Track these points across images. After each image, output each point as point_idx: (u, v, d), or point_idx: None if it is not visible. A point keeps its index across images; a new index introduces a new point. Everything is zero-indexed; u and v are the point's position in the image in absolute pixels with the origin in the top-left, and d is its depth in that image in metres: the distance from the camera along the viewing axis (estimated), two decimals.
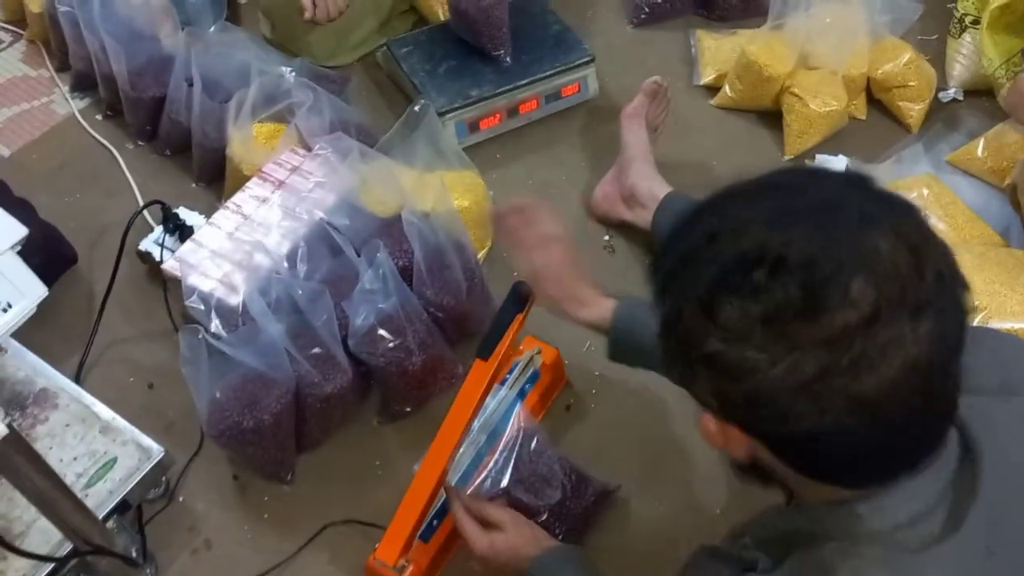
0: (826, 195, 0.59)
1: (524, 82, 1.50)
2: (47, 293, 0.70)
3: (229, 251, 1.24)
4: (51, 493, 0.83)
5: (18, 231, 0.67)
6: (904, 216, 0.58)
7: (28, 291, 0.68)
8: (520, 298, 1.06)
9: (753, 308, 0.55)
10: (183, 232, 1.33)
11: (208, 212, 1.36)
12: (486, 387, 1.05)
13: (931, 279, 0.55)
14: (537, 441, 1.12)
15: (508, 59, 1.50)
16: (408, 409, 1.23)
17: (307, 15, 1.35)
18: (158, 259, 1.32)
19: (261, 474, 1.18)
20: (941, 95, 1.59)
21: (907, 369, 0.55)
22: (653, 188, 1.32)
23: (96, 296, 1.34)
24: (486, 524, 1.01)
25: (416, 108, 1.41)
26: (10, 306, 0.67)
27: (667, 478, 1.17)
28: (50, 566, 1.01)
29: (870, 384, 0.54)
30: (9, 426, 0.72)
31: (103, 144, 1.53)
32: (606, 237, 1.42)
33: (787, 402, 0.56)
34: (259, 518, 1.15)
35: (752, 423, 0.60)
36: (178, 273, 1.24)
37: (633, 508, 1.15)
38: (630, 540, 1.13)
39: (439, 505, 1.08)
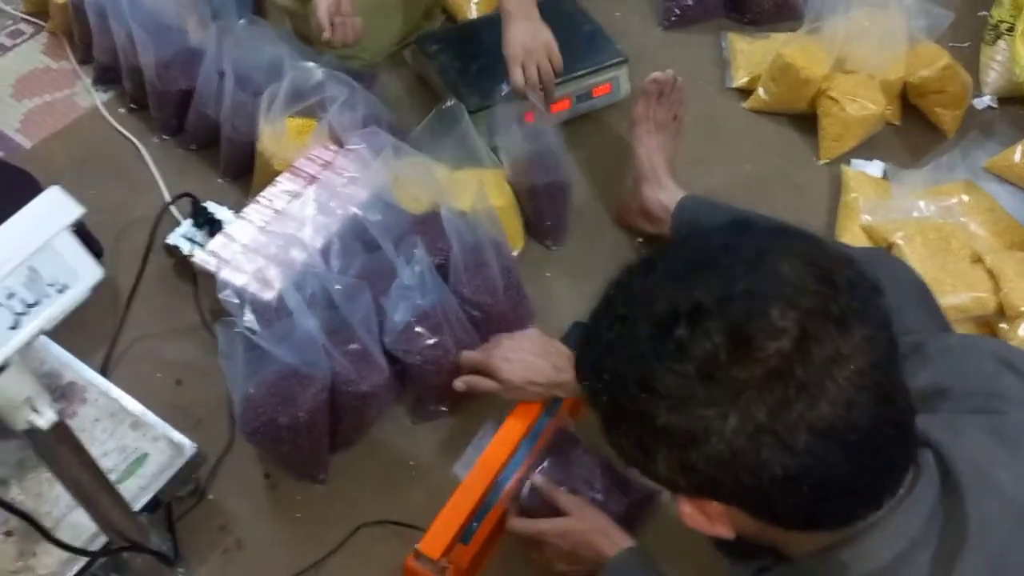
0: (714, 244, 0.60)
1: (556, 82, 1.48)
2: (103, 276, 0.68)
3: (262, 245, 1.22)
4: (91, 485, 0.80)
5: (74, 210, 0.64)
6: (796, 238, 0.59)
7: (84, 273, 0.66)
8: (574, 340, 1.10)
9: (686, 367, 0.54)
10: (212, 226, 1.31)
11: (235, 207, 1.33)
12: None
13: (844, 287, 0.55)
14: (575, 442, 1.10)
15: None
16: (443, 409, 1.20)
17: (324, 36, 1.32)
18: (186, 253, 1.30)
19: (294, 473, 1.15)
20: (975, 102, 1.58)
21: (855, 382, 0.54)
22: (663, 201, 1.29)
23: (121, 291, 1.32)
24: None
25: (446, 106, 1.40)
26: (66, 287, 0.65)
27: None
28: (82, 562, 0.99)
29: (825, 408, 0.53)
30: (59, 414, 0.70)
31: (127, 137, 1.51)
32: (639, 240, 1.40)
33: (752, 452, 0.54)
34: (291, 518, 1.12)
35: (725, 488, 0.57)
36: (209, 267, 1.21)
37: (672, 512, 1.12)
38: (669, 543, 1.10)
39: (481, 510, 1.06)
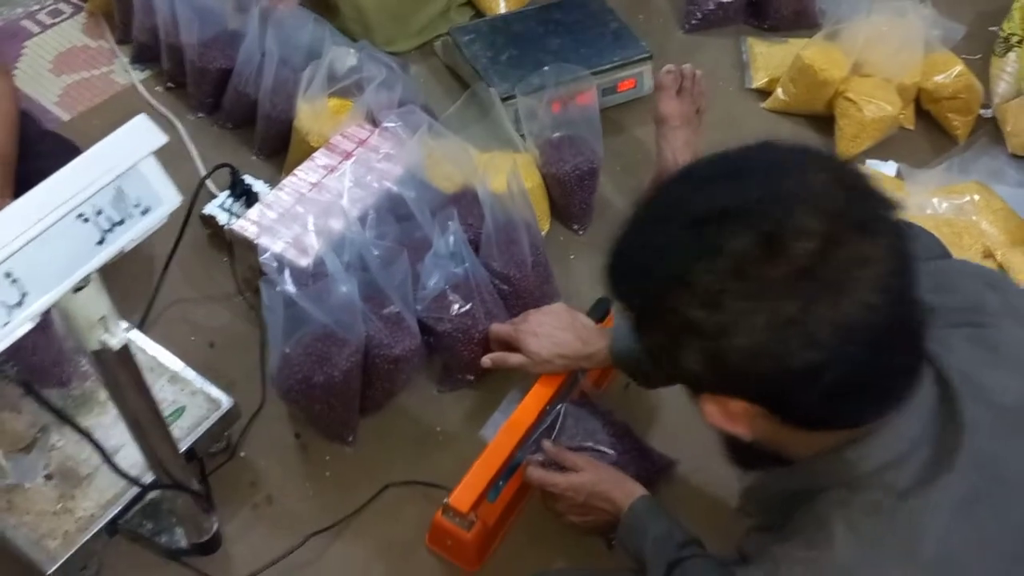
0: (744, 156, 0.64)
1: (583, 73, 1.52)
2: (180, 202, 0.71)
3: (299, 214, 1.26)
4: (146, 417, 0.83)
5: (159, 138, 0.68)
6: (824, 156, 0.62)
7: (165, 197, 0.69)
8: (603, 313, 1.17)
9: (720, 264, 0.58)
10: (248, 198, 1.34)
11: (270, 183, 1.37)
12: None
13: (867, 196, 0.60)
14: (596, 409, 1.13)
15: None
16: (470, 378, 1.23)
17: None
18: (222, 223, 1.33)
19: (324, 434, 1.18)
20: (983, 112, 1.63)
21: (875, 284, 0.57)
22: None
23: (156, 259, 1.35)
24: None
25: (477, 91, 1.44)
26: (149, 209, 0.68)
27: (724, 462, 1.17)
28: (117, 508, 1.01)
29: (847, 306, 0.57)
30: (127, 337, 0.73)
31: (164, 114, 1.55)
32: None
33: (778, 345, 0.57)
34: (320, 476, 1.15)
35: (749, 382, 0.61)
36: (247, 234, 1.25)
37: (692, 485, 1.16)
38: (688, 515, 1.13)
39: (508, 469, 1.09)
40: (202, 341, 1.27)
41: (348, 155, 1.35)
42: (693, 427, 1.20)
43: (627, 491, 1.00)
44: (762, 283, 0.57)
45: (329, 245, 1.19)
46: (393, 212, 1.27)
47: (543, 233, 1.40)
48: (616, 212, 1.47)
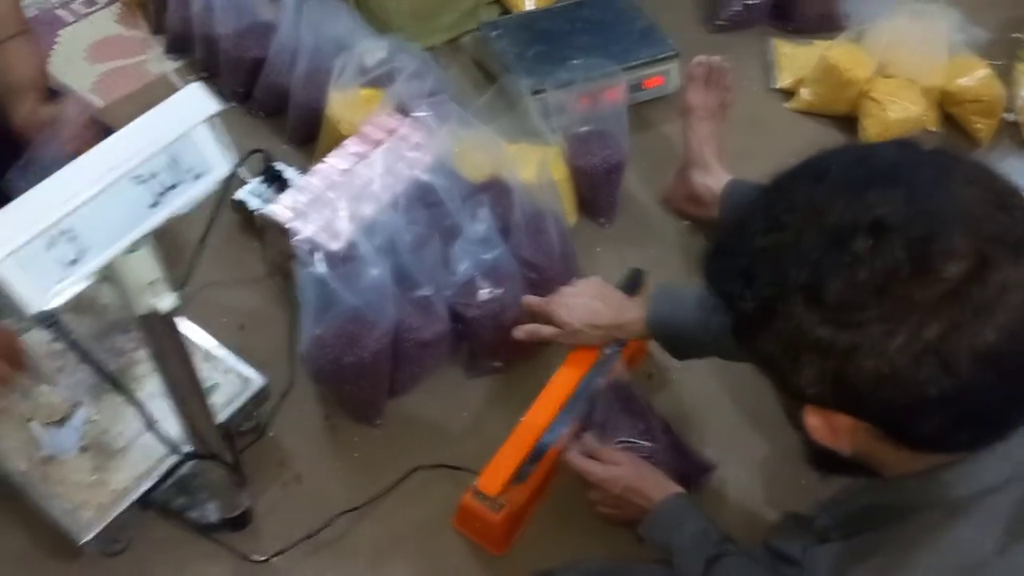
0: (892, 159, 0.59)
1: (605, 72, 1.54)
2: (232, 170, 0.73)
3: (330, 200, 1.27)
4: (187, 385, 0.85)
5: (213, 105, 0.70)
6: (971, 164, 0.59)
7: (217, 165, 0.71)
8: (634, 285, 1.15)
9: (862, 279, 0.54)
10: (280, 184, 1.36)
11: (301, 170, 1.39)
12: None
13: (1019, 216, 0.56)
14: (634, 399, 1.14)
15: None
16: (497, 364, 1.24)
17: None
18: (253, 209, 1.35)
19: (353, 416, 1.19)
20: (1005, 115, 1.64)
21: (1020, 311, 0.54)
22: (710, 186, 1.34)
23: (187, 243, 1.36)
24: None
25: (505, 85, 1.46)
26: (200, 175, 0.70)
27: (749, 453, 1.18)
28: (151, 481, 1.03)
29: (991, 333, 0.54)
30: (176, 301, 0.75)
31: None
32: (686, 222, 1.45)
33: (912, 371, 0.55)
34: (349, 457, 1.16)
35: (869, 404, 0.58)
36: (279, 218, 1.27)
37: (714, 478, 1.16)
38: (711, 509, 1.14)
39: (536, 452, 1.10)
40: (232, 323, 1.29)
41: (378, 144, 1.36)
42: (717, 420, 1.22)
43: (663, 488, 1.01)
44: (906, 303, 0.54)
45: (360, 229, 1.21)
46: (422, 200, 1.29)
47: (570, 225, 1.41)
48: (641, 207, 1.48)
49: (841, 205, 0.56)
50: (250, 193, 1.37)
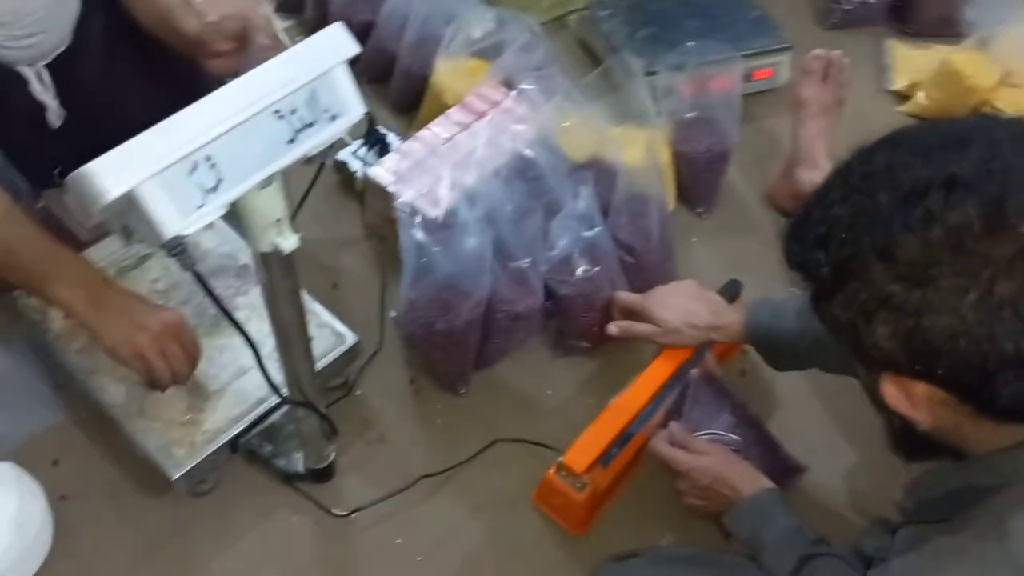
0: (965, 126, 0.60)
1: (720, 58, 1.51)
2: (364, 113, 0.73)
3: (432, 166, 1.27)
4: (295, 329, 0.85)
5: (352, 47, 0.69)
6: None
7: (352, 107, 0.71)
8: (732, 295, 1.16)
9: (936, 236, 0.55)
10: (381, 147, 1.37)
11: (401, 136, 1.39)
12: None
13: None
14: (727, 394, 1.12)
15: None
16: (585, 345, 1.23)
17: None
18: (354, 170, 1.36)
19: (438, 383, 1.19)
20: None
21: None
22: (818, 184, 1.31)
23: (287, 199, 1.38)
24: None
25: (614, 65, 1.43)
26: (336, 116, 0.70)
27: (839, 460, 1.14)
28: (242, 425, 1.04)
29: None
30: (297, 242, 0.75)
31: None
32: (786, 220, 1.41)
33: (986, 327, 0.55)
34: (432, 423, 1.16)
35: (943, 364, 0.58)
36: (380, 181, 1.27)
37: (803, 480, 1.13)
38: (799, 510, 1.10)
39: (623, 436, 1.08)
40: (326, 281, 1.30)
41: (481, 115, 1.36)
42: (807, 422, 1.18)
43: (753, 481, 0.99)
44: (979, 260, 0.54)
45: (461, 198, 1.21)
46: (523, 174, 1.28)
47: (670, 209, 1.39)
48: (741, 200, 1.45)
49: (916, 165, 0.57)
50: (351, 155, 1.38)
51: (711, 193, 1.41)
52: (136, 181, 0.59)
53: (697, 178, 1.39)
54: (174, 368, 0.97)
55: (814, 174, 1.33)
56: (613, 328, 1.14)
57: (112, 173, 0.58)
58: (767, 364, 1.09)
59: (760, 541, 0.94)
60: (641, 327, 1.12)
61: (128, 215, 0.63)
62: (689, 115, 1.39)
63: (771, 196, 1.43)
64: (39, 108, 1.13)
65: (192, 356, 0.99)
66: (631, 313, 1.15)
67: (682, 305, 1.11)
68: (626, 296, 1.16)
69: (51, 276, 0.94)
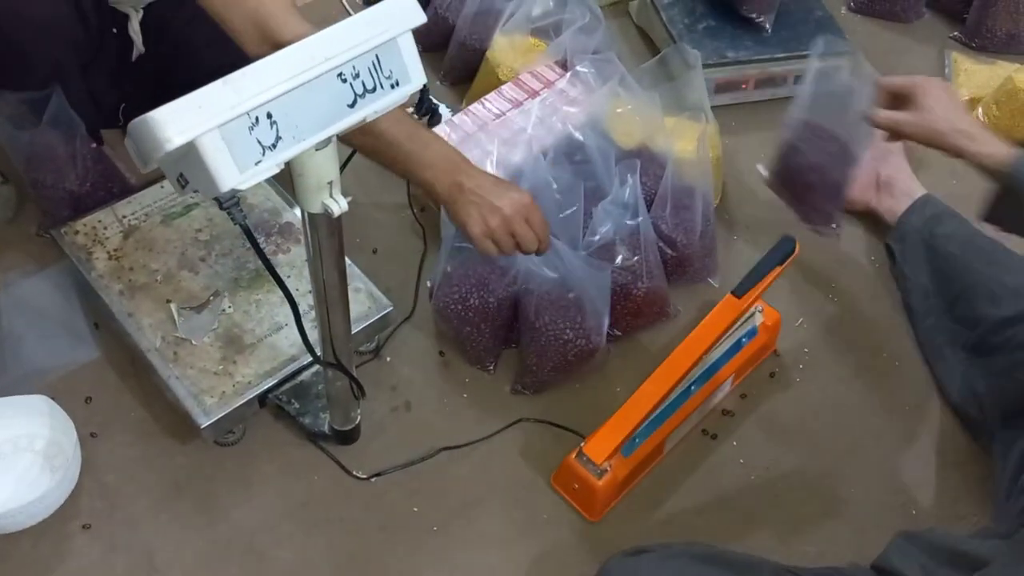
0: None
1: (780, 56, 1.49)
2: (425, 82, 0.73)
3: (481, 141, 1.27)
4: (335, 291, 0.86)
5: (419, 16, 0.69)
6: None
7: (413, 75, 0.71)
8: (784, 252, 1.08)
9: None
10: (432, 117, 1.36)
11: (451, 108, 1.39)
12: (732, 322, 1.05)
13: None
14: None
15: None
16: (617, 332, 1.23)
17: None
18: None
19: (467, 357, 1.19)
20: None
21: None
22: (910, 185, 1.32)
23: None
24: None
25: (672, 54, 1.41)
26: (397, 84, 0.70)
27: (862, 467, 1.14)
28: (272, 381, 1.06)
29: None
30: (346, 205, 0.75)
31: None
32: (833, 225, 1.39)
33: None
34: (458, 396, 1.17)
35: None
36: None
37: (824, 487, 1.12)
38: (824, 518, 1.10)
39: (646, 423, 1.08)
40: (366, 245, 1.30)
41: (534, 93, 1.35)
42: (834, 431, 1.17)
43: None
44: None
45: (506, 175, 1.20)
46: (570, 156, 1.27)
47: (715, 203, 1.38)
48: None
49: None
50: None
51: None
52: (199, 132, 0.59)
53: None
54: (522, 247, 1.00)
55: (903, 172, 1.34)
56: (880, 117, 1.03)
57: (176, 122, 0.59)
58: (985, 216, 1.00)
59: None
60: (902, 115, 1.02)
61: (186, 165, 0.64)
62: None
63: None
64: (128, 45, 1.16)
65: (541, 235, 1.01)
66: (898, 98, 1.04)
67: (952, 101, 1.01)
68: (893, 78, 1.06)
69: (414, 156, 0.97)
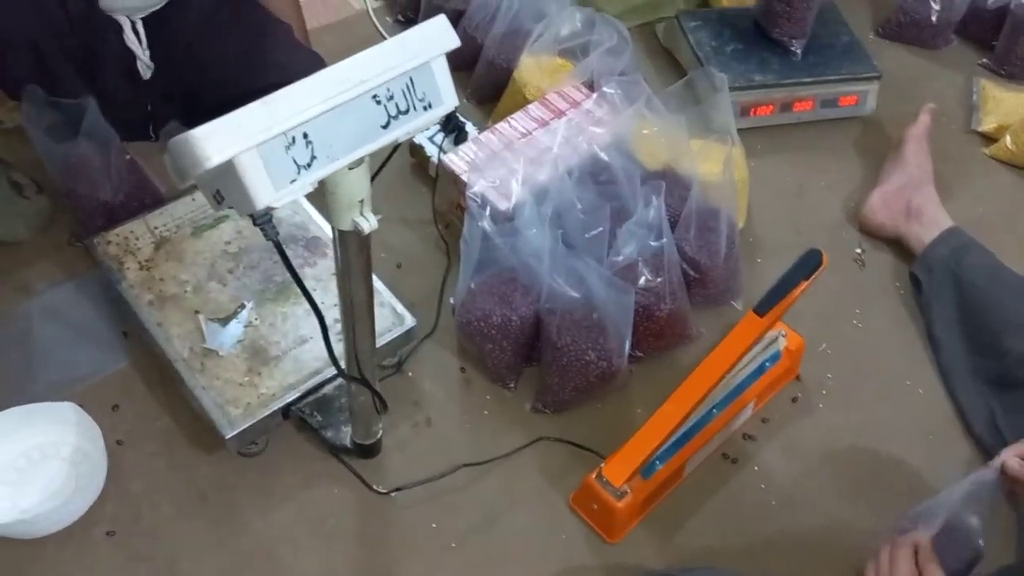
0: None
1: (807, 80, 1.50)
2: (457, 105, 0.74)
3: (507, 160, 1.28)
4: (362, 308, 0.87)
5: (454, 40, 0.71)
6: None
7: (446, 98, 0.72)
8: (810, 266, 1.06)
9: None
10: (459, 135, 1.37)
11: (477, 126, 1.40)
12: (753, 342, 1.04)
13: None
14: None
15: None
16: (639, 354, 1.23)
17: None
18: (429, 155, 1.37)
19: (488, 374, 1.20)
20: None
21: None
22: (939, 215, 1.32)
23: None
24: None
25: (699, 77, 1.42)
26: (430, 106, 0.71)
27: (884, 495, 1.13)
28: (296, 393, 1.07)
29: None
30: (376, 223, 0.76)
31: None
32: (858, 250, 1.39)
33: None
34: (478, 413, 1.17)
35: None
36: (455, 168, 1.29)
37: (844, 514, 1.12)
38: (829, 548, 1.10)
39: (667, 446, 1.08)
40: (390, 260, 1.31)
41: (561, 113, 1.36)
42: (855, 458, 1.16)
43: None
44: None
45: (531, 193, 1.21)
46: (595, 176, 1.28)
47: (739, 227, 1.38)
48: (812, 223, 1.43)
49: None
50: (428, 139, 1.39)
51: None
52: (237, 151, 0.61)
53: None
54: None
55: (933, 202, 1.35)
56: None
57: (215, 141, 0.60)
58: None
59: None
60: None
61: (223, 182, 0.65)
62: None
63: (873, 211, 1.39)
64: (130, 56, 1.17)
65: None
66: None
67: None
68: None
69: None
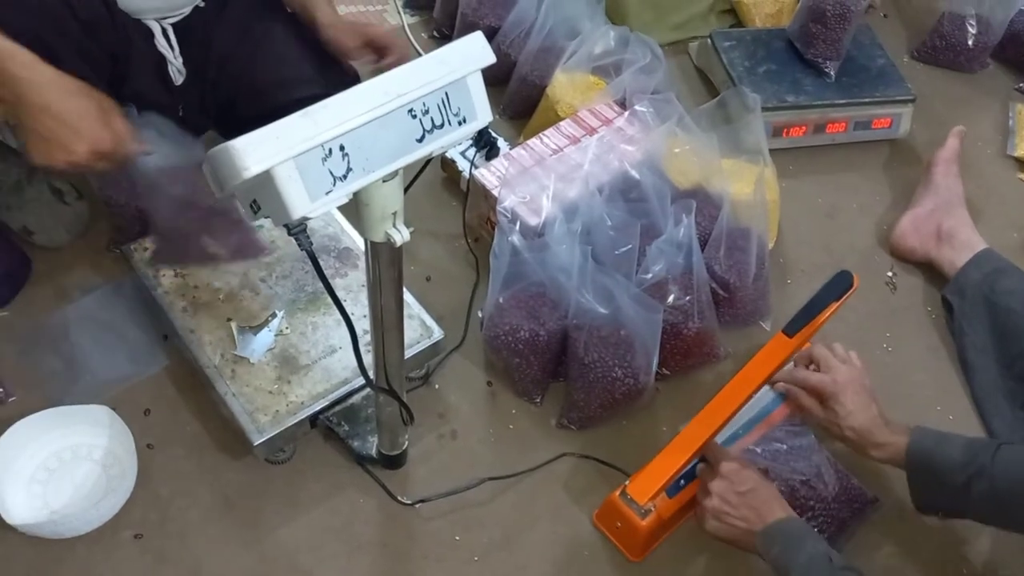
0: None
1: (840, 102, 1.49)
2: (491, 121, 0.75)
3: (538, 176, 1.29)
4: (392, 318, 0.87)
5: (489, 56, 0.72)
6: None
7: (480, 114, 0.73)
8: (841, 287, 1.05)
9: None
10: (490, 150, 1.39)
11: (509, 142, 1.41)
12: (781, 362, 1.04)
13: None
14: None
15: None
16: (665, 372, 1.23)
17: None
18: (460, 169, 1.39)
19: (514, 388, 1.20)
20: None
21: None
22: (971, 238, 1.31)
23: None
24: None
25: (732, 96, 1.42)
26: (464, 121, 0.72)
27: (912, 522, 1.11)
28: (323, 403, 1.08)
29: None
30: (408, 236, 0.77)
31: None
32: (889, 273, 1.38)
33: None
34: (504, 427, 1.17)
35: None
36: (486, 182, 1.29)
37: (872, 536, 1.10)
38: (880, 555, 1.08)
39: (691, 467, 1.07)
40: (420, 273, 1.32)
41: (592, 131, 1.37)
42: (884, 476, 1.15)
43: (784, 506, 0.97)
44: None
45: (561, 210, 1.22)
46: (625, 194, 1.28)
47: (770, 246, 1.37)
48: (843, 244, 1.42)
49: None
50: (460, 154, 1.41)
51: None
52: (276, 162, 0.62)
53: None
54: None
55: (965, 225, 1.34)
56: (786, 384, 1.11)
57: (254, 152, 0.62)
58: (917, 505, 1.03)
59: (789, 562, 0.91)
60: (807, 399, 1.09)
61: (260, 192, 0.66)
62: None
63: (904, 235, 1.38)
64: (162, 61, 1.19)
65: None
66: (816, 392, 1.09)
67: (865, 401, 1.06)
68: (810, 375, 1.10)
69: None
